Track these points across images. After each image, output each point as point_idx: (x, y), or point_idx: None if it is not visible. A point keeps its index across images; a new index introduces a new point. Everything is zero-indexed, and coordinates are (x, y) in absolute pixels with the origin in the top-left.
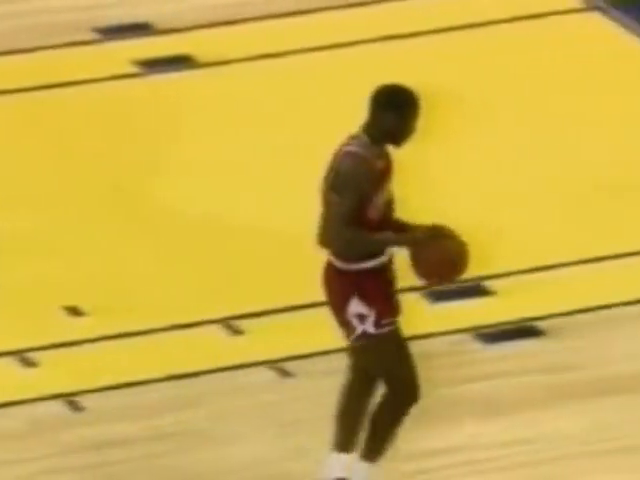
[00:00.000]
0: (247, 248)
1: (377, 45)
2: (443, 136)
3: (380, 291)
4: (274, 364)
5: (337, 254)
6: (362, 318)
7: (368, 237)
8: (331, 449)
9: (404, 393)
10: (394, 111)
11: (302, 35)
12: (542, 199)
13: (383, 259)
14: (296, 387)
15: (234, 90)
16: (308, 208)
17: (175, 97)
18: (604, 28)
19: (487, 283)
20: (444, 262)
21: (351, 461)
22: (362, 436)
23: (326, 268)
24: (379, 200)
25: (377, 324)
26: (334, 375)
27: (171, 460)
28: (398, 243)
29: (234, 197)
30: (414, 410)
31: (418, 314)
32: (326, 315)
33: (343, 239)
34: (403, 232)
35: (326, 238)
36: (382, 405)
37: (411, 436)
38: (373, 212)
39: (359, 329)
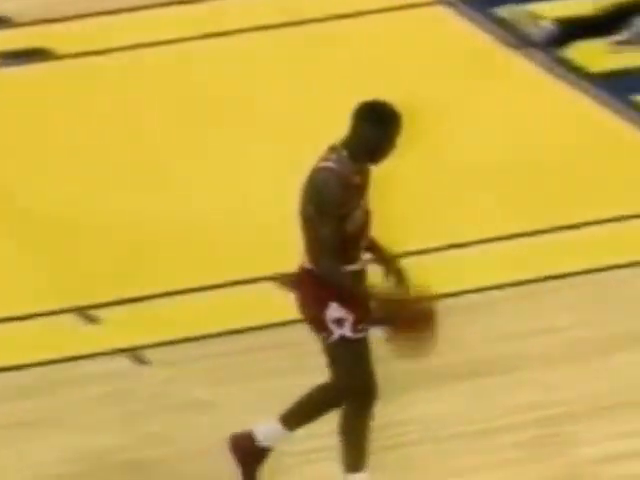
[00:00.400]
0: (102, 240)
1: (211, 41)
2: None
3: (358, 295)
4: (130, 352)
5: (313, 261)
6: (340, 322)
7: (345, 281)
8: (284, 425)
9: (362, 391)
10: (378, 127)
11: (156, 28)
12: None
13: (361, 264)
14: (152, 375)
15: (90, 82)
16: (151, 202)
17: (30, 89)
18: (452, 22)
19: None
20: (411, 329)
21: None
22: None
23: (301, 273)
24: (357, 215)
25: (354, 329)
26: (190, 363)
27: (21, 448)
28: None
29: (88, 191)
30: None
31: (277, 300)
32: (181, 304)
33: (323, 266)
34: (377, 257)
35: (308, 248)
36: (347, 417)
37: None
38: (351, 226)
39: (337, 333)
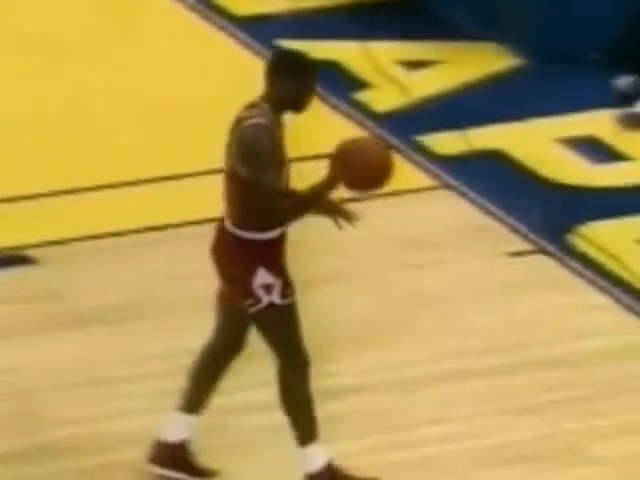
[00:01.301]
0: None
1: None
2: None
3: (283, 261)
4: None
5: (239, 225)
6: (269, 288)
7: (299, 202)
8: (176, 409)
9: (300, 360)
10: (293, 77)
11: None
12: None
13: (284, 228)
14: None
15: None
16: None
17: None
18: None
19: None
20: (370, 169)
21: (193, 423)
22: (291, 425)
23: (223, 239)
24: (284, 170)
25: (282, 294)
26: None
27: None
28: (323, 191)
29: None
30: None
31: None
32: None
33: (281, 211)
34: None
35: (233, 211)
36: (286, 383)
37: None
38: (281, 182)
39: (265, 300)
